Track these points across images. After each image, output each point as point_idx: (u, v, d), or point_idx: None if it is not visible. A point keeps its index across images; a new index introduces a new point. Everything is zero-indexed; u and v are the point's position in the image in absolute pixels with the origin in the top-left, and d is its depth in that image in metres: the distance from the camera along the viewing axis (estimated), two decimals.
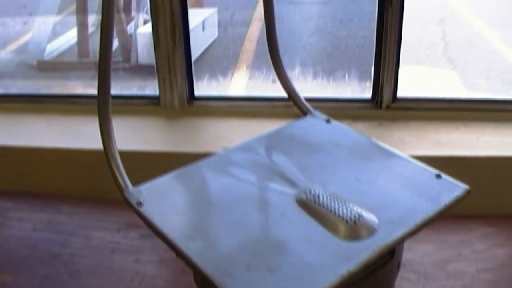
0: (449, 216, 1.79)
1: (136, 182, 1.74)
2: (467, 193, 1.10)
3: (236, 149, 1.20)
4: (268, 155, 1.19)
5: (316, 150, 1.20)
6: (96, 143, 1.88)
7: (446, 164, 1.77)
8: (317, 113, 1.31)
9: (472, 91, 3.63)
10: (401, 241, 0.98)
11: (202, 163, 1.16)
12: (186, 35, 1.93)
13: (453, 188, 1.10)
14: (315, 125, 1.29)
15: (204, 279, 0.94)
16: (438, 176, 1.13)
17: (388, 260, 1.02)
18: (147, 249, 1.70)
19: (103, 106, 1.07)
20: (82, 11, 4.10)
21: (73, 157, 1.91)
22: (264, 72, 3.86)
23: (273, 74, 3.82)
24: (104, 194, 1.89)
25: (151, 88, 2.08)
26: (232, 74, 3.98)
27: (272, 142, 1.23)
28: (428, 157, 1.77)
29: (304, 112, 1.32)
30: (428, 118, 1.98)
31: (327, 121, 1.29)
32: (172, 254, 1.69)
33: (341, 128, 1.28)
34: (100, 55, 1.06)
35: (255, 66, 4.12)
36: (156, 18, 1.87)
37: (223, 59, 4.36)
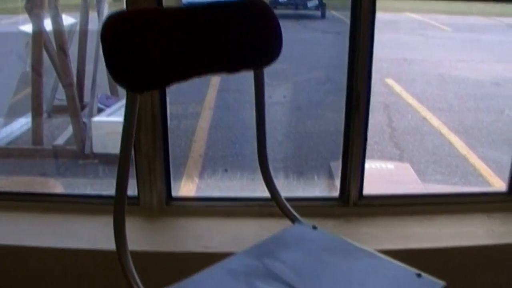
0: None
1: (118, 281, 1.84)
2: None
3: (236, 257, 1.35)
4: (267, 262, 1.33)
5: (308, 256, 1.35)
6: (76, 243, 2.01)
7: (412, 257, 1.95)
8: (304, 221, 1.47)
9: (420, 174, 3.85)
10: None
11: (207, 272, 1.29)
12: (165, 139, 2.08)
13: (432, 286, 1.26)
14: (303, 232, 1.44)
15: None
16: (419, 275, 1.29)
17: None
18: None
19: (118, 222, 1.20)
20: (37, 96, 4.18)
21: (55, 257, 2.00)
22: (217, 162, 4.02)
23: (225, 164, 3.96)
24: None
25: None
26: (185, 164, 4.11)
27: (268, 249, 1.38)
28: (395, 251, 1.96)
29: (292, 220, 1.48)
30: (393, 213, 2.17)
31: (314, 227, 1.45)
32: None
33: (327, 234, 1.44)
34: (119, 163, 1.19)
35: (207, 155, 4.28)
36: (139, 123, 2.02)
37: (175, 147, 4.50)
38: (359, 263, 1.35)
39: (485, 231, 2.12)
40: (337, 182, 2.19)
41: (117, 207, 1.19)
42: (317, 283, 1.25)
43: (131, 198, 2.16)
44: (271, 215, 2.05)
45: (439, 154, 4.53)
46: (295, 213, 1.48)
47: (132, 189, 2.16)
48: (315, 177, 3.66)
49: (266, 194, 1.79)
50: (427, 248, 2.01)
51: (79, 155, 4.23)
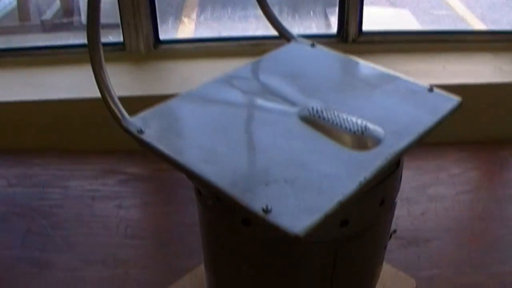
0: (423, 144, 1.82)
1: (108, 127, 1.69)
2: (460, 105, 1.11)
3: (227, 76, 1.18)
4: (262, 79, 1.17)
5: (308, 72, 1.19)
6: (62, 93, 1.85)
7: None
8: (301, 39, 1.30)
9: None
10: (407, 150, 0.98)
11: (195, 91, 1.14)
12: None
13: (446, 100, 1.11)
14: (301, 49, 1.27)
15: (221, 199, 0.93)
16: (430, 90, 1.13)
17: (394, 170, 1.03)
18: (128, 193, 1.67)
19: (92, 36, 1.02)
20: None
21: (41, 109, 1.85)
22: (210, 27, 3.81)
23: (219, 28, 3.75)
24: (76, 144, 1.86)
25: None
26: (177, 28, 3.92)
27: (262, 67, 1.22)
28: None
29: (287, 39, 1.30)
30: (394, 50, 2.00)
31: (312, 45, 1.28)
32: (155, 197, 1.67)
33: (327, 51, 1.27)
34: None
35: (199, 18, 4.06)
36: None
37: (166, 13, 4.27)
38: (364, 78, 1.19)
39: (493, 70, 1.96)
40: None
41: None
42: (320, 99, 1.09)
43: (117, 44, 1.98)
44: (266, 52, 1.87)
45: (436, 14, 4.33)
46: (290, 31, 1.30)
47: (118, 36, 1.99)
48: (311, 13, 3.46)
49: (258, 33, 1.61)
50: (430, 84, 1.84)
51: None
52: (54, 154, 1.84)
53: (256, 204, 0.84)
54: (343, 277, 1.07)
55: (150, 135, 1.00)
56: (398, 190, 1.09)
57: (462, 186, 1.70)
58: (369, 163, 0.92)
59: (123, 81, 1.87)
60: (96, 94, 1.02)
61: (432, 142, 1.86)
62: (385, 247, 1.16)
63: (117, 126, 1.01)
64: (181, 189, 1.66)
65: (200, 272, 1.39)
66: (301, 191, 0.86)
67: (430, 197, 1.66)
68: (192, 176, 0.92)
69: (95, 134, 1.84)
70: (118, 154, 1.80)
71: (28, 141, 1.89)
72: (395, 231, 1.21)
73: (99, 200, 1.65)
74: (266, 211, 0.83)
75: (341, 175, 0.89)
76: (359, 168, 0.91)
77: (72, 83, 1.89)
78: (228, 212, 0.98)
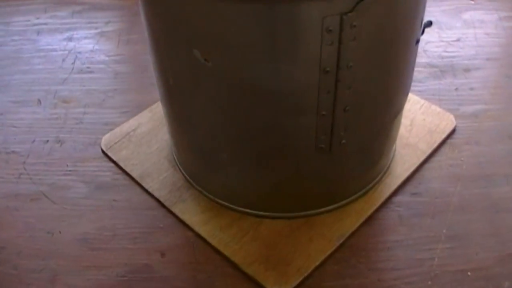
0: None
1: None
2: None
3: None
4: None
5: None
6: None
7: None
8: None
9: None
10: None
11: None
12: None
13: None
14: None
15: None
16: None
17: None
18: (82, 25, 1.25)
19: None
20: None
21: None
22: None
23: None
24: None
25: None
26: None
27: None
28: None
29: None
30: None
31: None
32: (114, 27, 1.25)
33: None
34: None
35: None
36: None
37: None
38: None
39: None
40: None
41: None
42: None
43: None
44: None
45: None
46: None
47: None
48: None
49: None
50: None
51: None
52: None
53: None
54: (353, 76, 0.64)
55: None
56: None
57: (506, 12, 1.26)
58: None
59: None
60: None
61: None
62: (417, 42, 0.74)
63: None
64: None
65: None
66: None
67: (467, 23, 1.22)
68: None
69: None
70: None
71: None
72: (430, 23, 0.78)
73: (46, 33, 1.23)
74: None
75: None
76: None
77: None
78: None
